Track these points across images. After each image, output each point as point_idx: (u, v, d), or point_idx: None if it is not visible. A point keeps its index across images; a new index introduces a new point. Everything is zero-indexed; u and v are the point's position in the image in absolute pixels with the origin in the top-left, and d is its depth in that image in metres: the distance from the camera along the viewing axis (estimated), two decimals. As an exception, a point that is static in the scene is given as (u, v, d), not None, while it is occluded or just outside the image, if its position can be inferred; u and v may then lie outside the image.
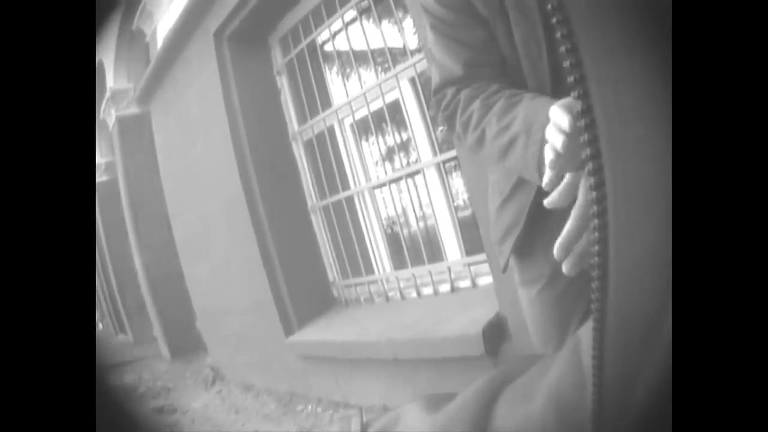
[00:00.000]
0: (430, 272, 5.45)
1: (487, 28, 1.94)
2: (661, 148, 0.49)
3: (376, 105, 5.70)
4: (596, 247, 0.54)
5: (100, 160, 15.51)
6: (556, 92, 1.79)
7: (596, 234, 0.54)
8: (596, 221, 0.53)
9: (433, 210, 5.38)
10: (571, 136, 1.45)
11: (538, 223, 1.99)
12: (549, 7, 0.53)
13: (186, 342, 11.27)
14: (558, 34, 0.53)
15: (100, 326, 23.18)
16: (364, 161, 6.23)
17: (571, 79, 0.53)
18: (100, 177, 15.58)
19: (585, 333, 0.62)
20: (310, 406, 6.19)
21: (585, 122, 0.53)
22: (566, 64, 0.53)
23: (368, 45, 5.66)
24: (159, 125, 8.93)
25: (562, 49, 0.53)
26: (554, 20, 0.53)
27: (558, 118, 1.47)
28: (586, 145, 0.53)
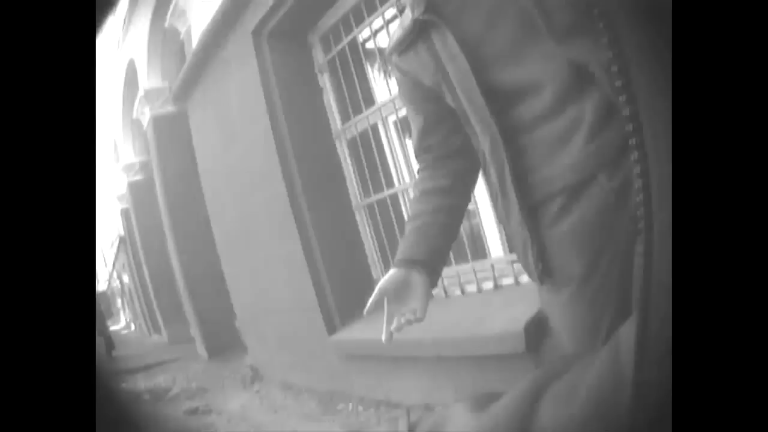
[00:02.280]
0: (473, 269, 5.44)
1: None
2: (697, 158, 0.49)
3: (419, 102, 5.66)
4: (641, 254, 0.55)
5: (134, 159, 15.63)
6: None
7: (643, 236, 0.54)
8: (642, 222, 0.54)
9: (477, 207, 5.37)
10: None
11: (557, 225, 1.98)
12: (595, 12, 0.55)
13: (224, 342, 11.32)
14: (600, 24, 0.54)
15: (132, 327, 23.38)
16: (408, 159, 6.21)
17: (614, 69, 0.54)
18: (135, 176, 15.70)
19: (625, 332, 0.62)
20: (351, 405, 6.19)
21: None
22: (609, 54, 0.54)
23: (409, 42, 5.63)
24: (197, 124, 8.98)
25: (604, 40, 0.54)
26: (600, 25, 0.54)
27: None
28: (628, 120, 0.54)
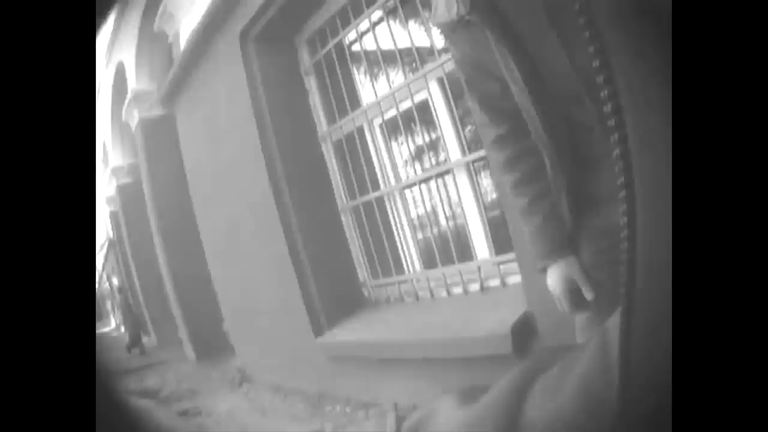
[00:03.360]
0: (459, 272, 5.45)
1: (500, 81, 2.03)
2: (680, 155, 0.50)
3: (405, 105, 5.71)
4: (625, 244, 0.55)
5: (122, 162, 15.59)
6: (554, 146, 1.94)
7: (626, 231, 0.55)
8: (625, 219, 0.55)
9: (462, 209, 5.39)
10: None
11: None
12: (577, 6, 0.54)
13: (212, 344, 11.30)
14: (587, 34, 0.54)
15: (122, 329, 23.29)
16: (393, 161, 6.24)
17: (600, 79, 0.54)
18: (123, 179, 15.66)
19: (613, 324, 0.63)
20: (338, 407, 6.20)
21: (615, 121, 0.54)
22: (596, 64, 0.54)
23: (395, 45, 5.67)
24: (184, 127, 8.96)
25: (591, 49, 0.54)
26: (581, 20, 0.54)
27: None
28: (616, 144, 0.54)
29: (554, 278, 2.15)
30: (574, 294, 2.13)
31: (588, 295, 2.08)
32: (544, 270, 2.21)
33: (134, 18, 11.74)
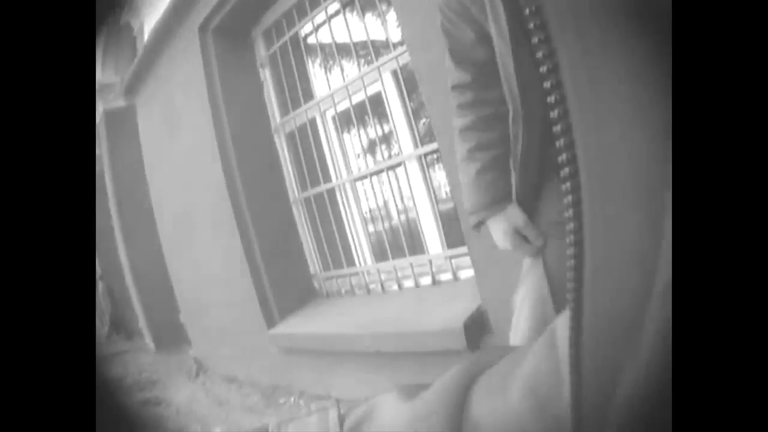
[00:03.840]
0: (411, 265, 5.46)
1: (476, 31, 2.12)
2: (638, 151, 0.49)
3: (358, 97, 5.71)
4: (572, 249, 0.55)
5: (87, 153, 15.50)
6: (524, 101, 1.89)
7: (572, 236, 0.54)
8: (571, 224, 0.54)
9: (414, 202, 5.39)
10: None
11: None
12: (526, 12, 0.53)
13: (170, 334, 11.26)
14: (535, 39, 0.53)
15: (105, 316, 23.15)
16: (345, 153, 6.24)
17: (547, 84, 0.54)
18: (87, 170, 15.57)
19: (561, 323, 0.62)
20: (292, 399, 6.20)
21: (561, 127, 0.53)
22: (543, 69, 0.53)
23: (351, 38, 5.67)
24: (144, 118, 8.92)
25: (539, 54, 0.53)
26: (531, 25, 0.53)
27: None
28: (563, 149, 0.54)
29: (499, 232, 2.18)
30: (520, 242, 2.16)
31: (537, 242, 2.11)
32: (478, 226, 2.28)
33: (116, 16, 11.66)
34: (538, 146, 1.94)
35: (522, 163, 1.98)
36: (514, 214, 2.13)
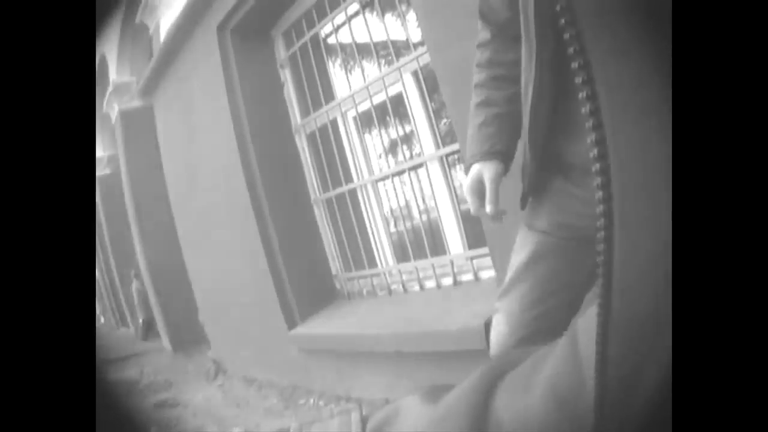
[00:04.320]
0: (432, 265, 5.46)
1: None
2: (666, 149, 0.49)
3: (379, 98, 5.71)
4: (602, 246, 0.54)
5: (102, 153, 15.55)
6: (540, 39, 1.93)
7: (602, 232, 0.54)
8: (602, 220, 0.54)
9: (435, 203, 5.40)
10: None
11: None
12: (558, 8, 0.53)
13: (188, 336, 11.30)
14: (566, 35, 0.53)
15: (101, 320, 23.21)
16: (367, 154, 6.24)
17: (579, 80, 0.53)
18: (103, 170, 15.63)
19: (583, 324, 0.62)
20: (312, 400, 6.19)
21: (593, 123, 0.53)
22: (574, 65, 0.53)
23: (371, 38, 5.66)
24: (162, 118, 8.94)
25: (570, 50, 0.53)
26: (562, 21, 0.53)
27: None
28: (594, 145, 0.53)
29: (468, 176, 2.25)
30: (478, 197, 2.25)
31: (487, 207, 2.20)
32: (466, 171, 2.31)
33: (115, 14, 11.69)
34: (548, 90, 1.97)
35: (533, 105, 2.01)
36: (490, 167, 2.21)
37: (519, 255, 2.27)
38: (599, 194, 0.52)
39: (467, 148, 2.35)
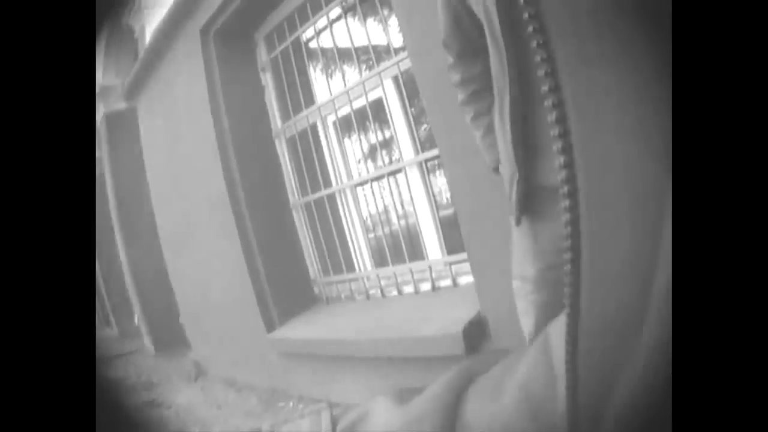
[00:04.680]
0: (411, 271, 5.46)
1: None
2: (635, 157, 0.49)
3: (359, 103, 5.71)
4: (569, 254, 0.54)
5: (87, 155, 15.48)
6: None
7: (569, 241, 0.54)
8: (569, 229, 0.54)
9: (414, 208, 5.39)
10: None
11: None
12: (525, 15, 0.53)
13: (170, 337, 11.26)
14: (534, 43, 0.53)
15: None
16: (346, 159, 6.24)
17: (545, 88, 0.54)
18: (87, 172, 15.55)
19: (554, 330, 0.62)
20: (291, 403, 6.19)
21: (559, 131, 0.54)
22: (541, 73, 0.53)
23: (352, 43, 5.66)
24: (145, 121, 8.90)
25: (537, 58, 0.53)
26: (530, 28, 0.53)
27: None
28: (560, 153, 0.54)
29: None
30: None
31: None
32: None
33: (115, 16, 11.65)
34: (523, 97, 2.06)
35: (512, 114, 2.10)
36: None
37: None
38: (565, 203, 0.52)
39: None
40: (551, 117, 0.54)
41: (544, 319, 2.18)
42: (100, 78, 12.35)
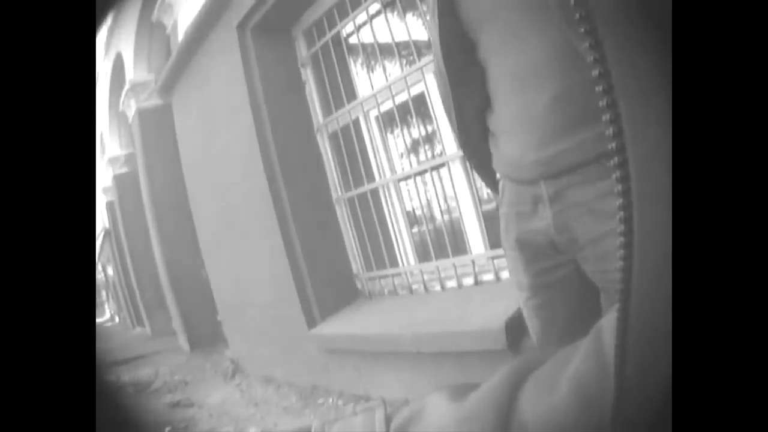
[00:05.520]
0: (454, 265, 5.45)
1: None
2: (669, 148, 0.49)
3: (402, 97, 5.70)
4: (622, 239, 0.54)
5: (120, 152, 15.58)
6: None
7: (622, 226, 0.54)
8: (621, 213, 0.54)
9: (457, 203, 5.40)
10: None
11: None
12: (571, 2, 0.53)
13: (206, 335, 11.33)
14: (582, 30, 0.53)
15: (116, 320, 23.32)
16: (389, 153, 6.25)
17: (595, 72, 0.53)
18: (120, 169, 15.66)
19: (607, 323, 0.62)
20: (331, 399, 6.19)
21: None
22: (590, 59, 0.53)
23: (393, 38, 5.65)
24: (180, 117, 8.95)
25: (586, 45, 0.53)
26: (577, 15, 0.53)
27: None
28: (612, 138, 0.53)
29: None
30: None
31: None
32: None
33: (133, 9, 11.73)
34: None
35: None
36: None
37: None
38: (618, 188, 0.52)
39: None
40: (605, 116, 0.54)
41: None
42: (131, 74, 12.43)
